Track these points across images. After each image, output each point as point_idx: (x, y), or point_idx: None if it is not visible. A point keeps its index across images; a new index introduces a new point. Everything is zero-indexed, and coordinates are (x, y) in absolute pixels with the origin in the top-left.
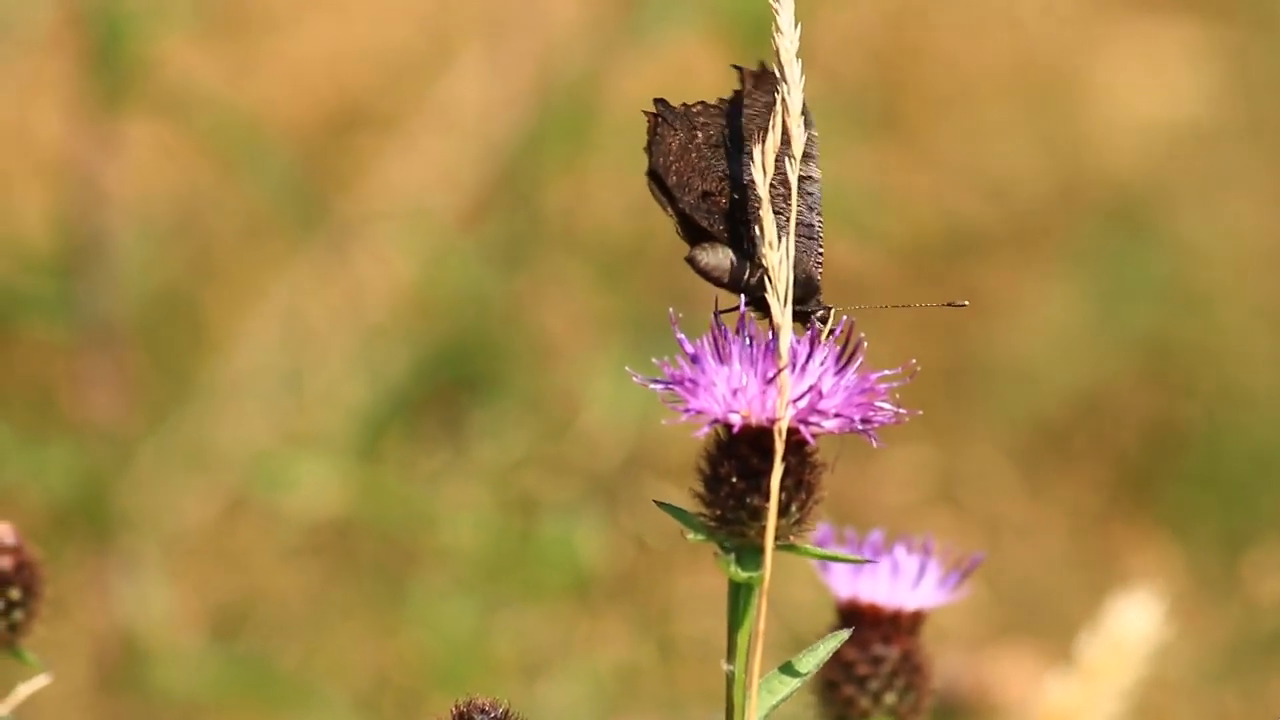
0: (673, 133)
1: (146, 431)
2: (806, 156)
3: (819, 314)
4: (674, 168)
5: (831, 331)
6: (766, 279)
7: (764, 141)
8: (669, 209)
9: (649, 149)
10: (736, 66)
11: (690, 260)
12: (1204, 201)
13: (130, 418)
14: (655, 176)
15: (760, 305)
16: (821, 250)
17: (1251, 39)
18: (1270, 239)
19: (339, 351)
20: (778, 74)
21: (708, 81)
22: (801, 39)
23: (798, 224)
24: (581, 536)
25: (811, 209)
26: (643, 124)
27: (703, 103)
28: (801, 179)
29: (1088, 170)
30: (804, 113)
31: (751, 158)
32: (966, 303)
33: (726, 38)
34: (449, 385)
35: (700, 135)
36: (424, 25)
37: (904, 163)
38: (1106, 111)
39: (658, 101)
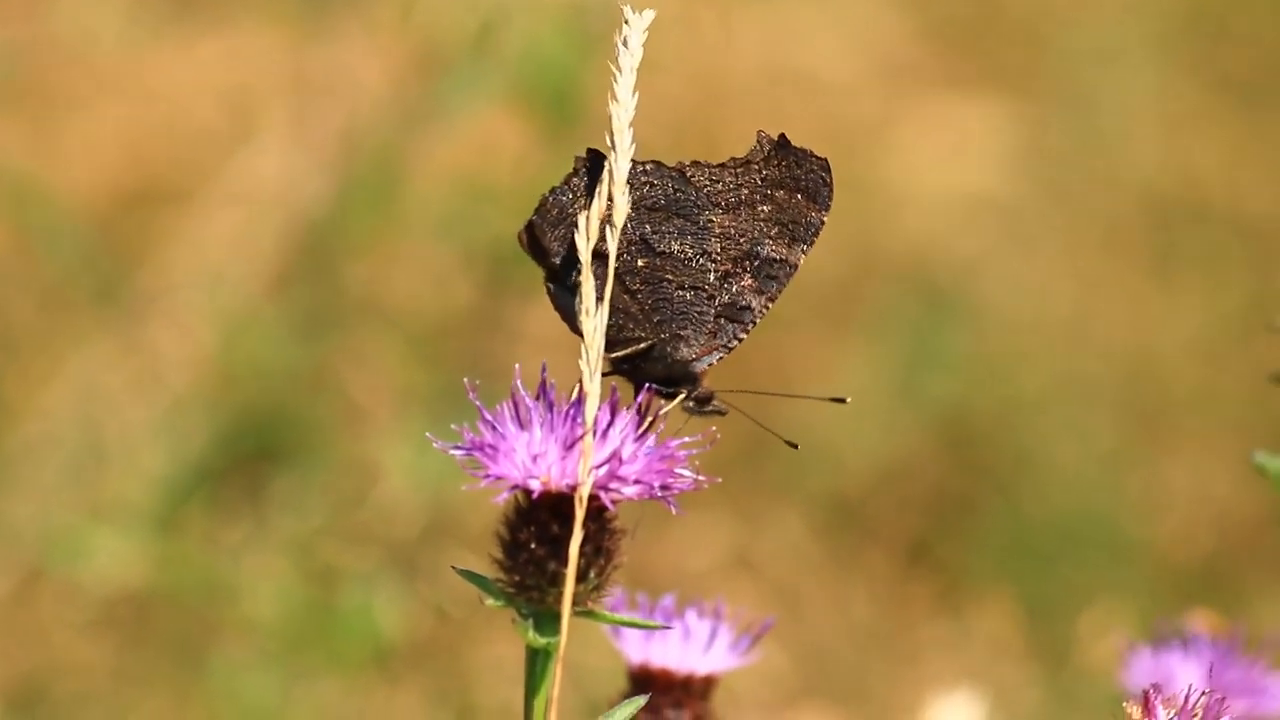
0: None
1: None
2: (795, 240)
3: (695, 396)
4: (574, 221)
5: (712, 413)
6: (583, 347)
7: (589, 209)
8: (540, 263)
9: (545, 198)
10: (762, 132)
11: (548, 291)
12: (1003, 272)
13: None
14: (530, 231)
15: (617, 368)
16: (743, 336)
17: (1049, 113)
18: (1067, 308)
19: (139, 422)
20: (608, 141)
21: (512, 150)
22: (604, 106)
23: (727, 305)
24: (381, 606)
25: (762, 293)
26: (448, 196)
27: (656, 162)
28: (772, 261)
29: (888, 242)
30: (818, 198)
31: (701, 229)
32: (848, 399)
33: (528, 108)
34: (251, 455)
35: (635, 195)
36: (225, 102)
37: None
38: (907, 185)
39: (591, 151)
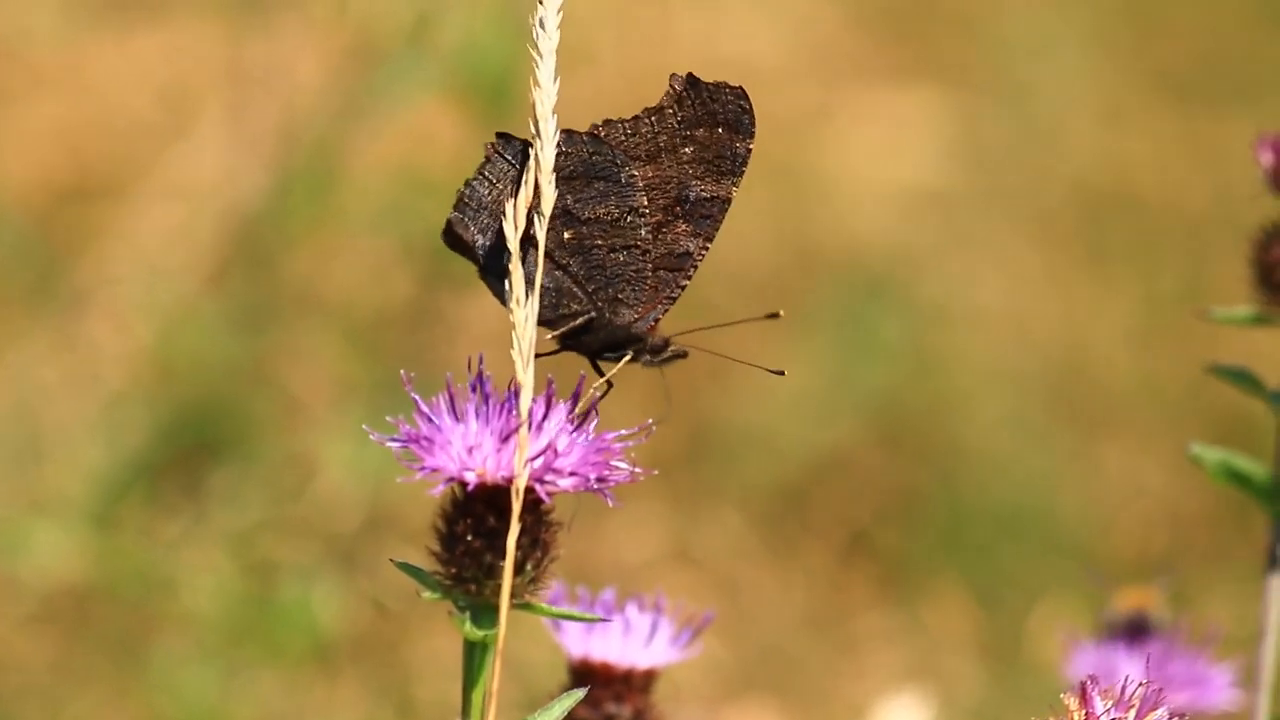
0: (510, 167)
1: None
2: (723, 174)
3: (648, 349)
4: (496, 209)
5: (673, 358)
6: (514, 337)
7: (516, 196)
8: (465, 256)
9: (461, 192)
10: (674, 75)
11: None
12: (940, 265)
13: None
14: (450, 228)
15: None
16: (685, 283)
17: (984, 104)
18: (1005, 301)
19: (77, 417)
20: (532, 128)
21: (449, 142)
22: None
23: (664, 255)
24: (320, 599)
25: (698, 234)
26: (386, 188)
27: (567, 131)
28: (703, 200)
29: (824, 233)
30: (740, 127)
31: (625, 187)
32: (780, 313)
33: (465, 99)
34: (189, 449)
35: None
36: (161, 95)
37: None
38: (843, 176)
39: (500, 135)
